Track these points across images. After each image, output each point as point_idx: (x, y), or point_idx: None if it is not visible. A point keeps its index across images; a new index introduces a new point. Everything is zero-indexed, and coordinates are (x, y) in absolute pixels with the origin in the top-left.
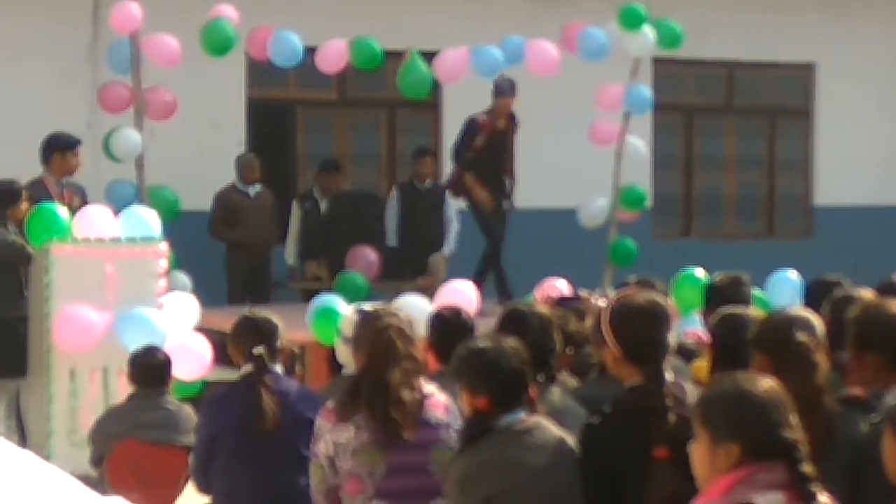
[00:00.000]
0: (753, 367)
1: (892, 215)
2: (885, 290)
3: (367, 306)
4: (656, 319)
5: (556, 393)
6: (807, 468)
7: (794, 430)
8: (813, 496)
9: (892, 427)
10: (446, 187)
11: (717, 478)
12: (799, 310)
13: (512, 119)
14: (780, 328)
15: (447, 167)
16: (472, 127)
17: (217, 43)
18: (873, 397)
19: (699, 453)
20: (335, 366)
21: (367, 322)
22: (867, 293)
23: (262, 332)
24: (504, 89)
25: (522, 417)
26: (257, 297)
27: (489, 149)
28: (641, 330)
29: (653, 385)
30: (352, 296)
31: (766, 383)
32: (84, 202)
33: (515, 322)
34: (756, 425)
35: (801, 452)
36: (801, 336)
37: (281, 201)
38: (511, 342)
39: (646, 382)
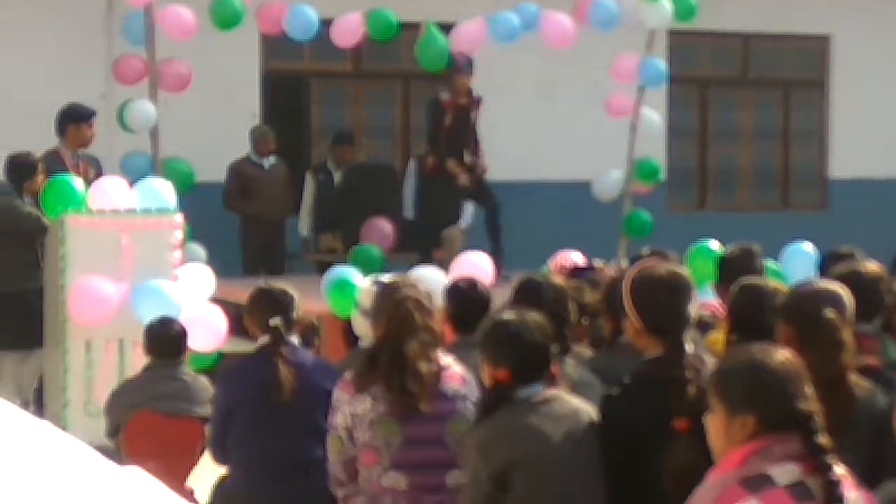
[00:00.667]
0: (778, 338)
1: None
2: None
3: (385, 278)
4: (677, 291)
5: (570, 365)
6: (822, 439)
7: (810, 401)
8: (829, 467)
9: None
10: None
11: (733, 449)
12: (829, 283)
13: (470, 95)
14: (808, 302)
15: None
16: (438, 107)
17: (226, 16)
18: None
19: (715, 425)
20: (352, 338)
21: (386, 293)
22: (874, 266)
23: (279, 303)
24: (461, 67)
25: (540, 390)
26: (272, 268)
27: (455, 128)
28: (662, 302)
29: (673, 357)
30: (367, 268)
31: (782, 355)
32: (99, 174)
33: (530, 293)
34: (772, 397)
35: (816, 424)
36: (830, 313)
37: (295, 173)
38: (536, 316)
39: (666, 354)
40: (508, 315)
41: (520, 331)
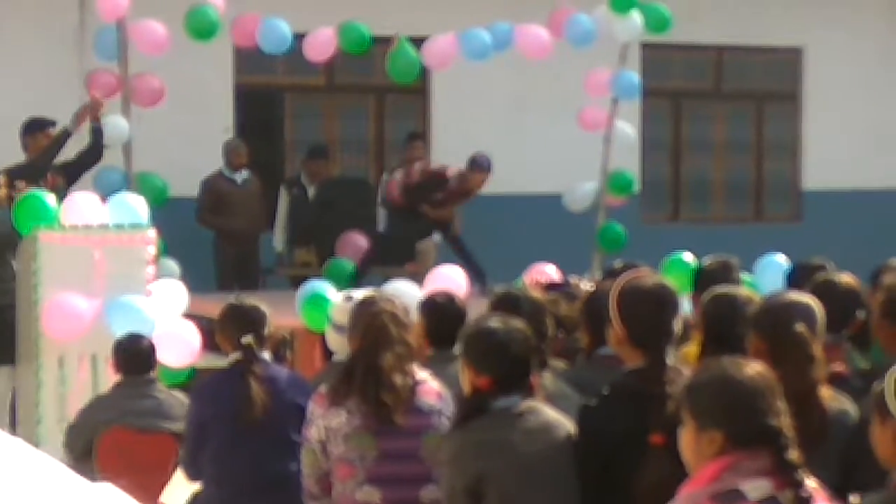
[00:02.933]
0: (749, 349)
1: (880, 199)
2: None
3: (357, 293)
4: (664, 305)
5: (548, 378)
6: (792, 455)
7: (780, 416)
8: (800, 483)
9: (880, 412)
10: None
11: (704, 464)
12: (800, 295)
13: (469, 194)
14: (779, 315)
15: (436, 153)
16: (440, 183)
17: (201, 28)
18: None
19: (686, 440)
20: (328, 352)
21: (362, 307)
22: (848, 278)
23: (250, 319)
24: (482, 164)
25: (517, 401)
26: (246, 283)
27: (443, 204)
28: (648, 314)
29: (653, 370)
30: (340, 282)
31: (753, 369)
32: (67, 183)
33: (508, 306)
34: (740, 413)
35: (786, 439)
36: (800, 327)
37: (269, 188)
38: (520, 325)
39: (646, 367)
40: (494, 322)
41: (506, 340)
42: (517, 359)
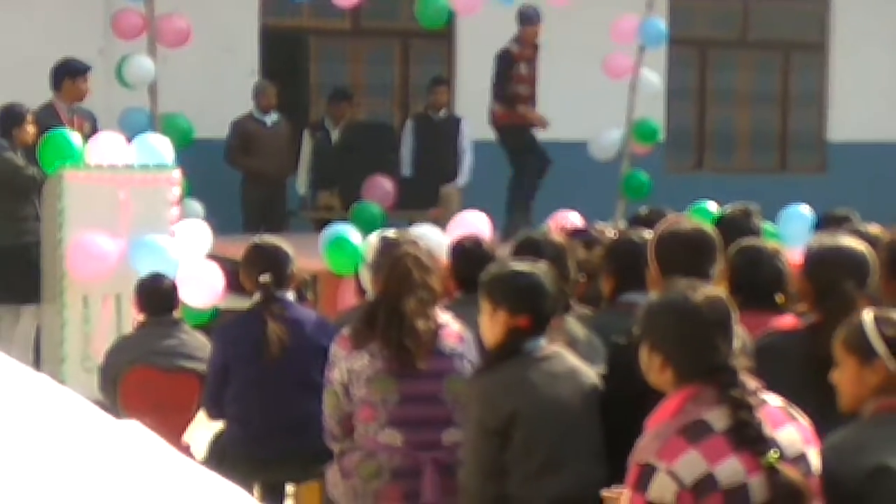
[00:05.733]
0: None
1: None
2: None
3: (390, 233)
4: (701, 249)
5: (572, 322)
6: (735, 393)
7: (731, 352)
8: (747, 420)
9: (848, 352)
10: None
11: (664, 388)
12: (856, 243)
13: (536, 47)
14: (830, 266)
15: (460, 98)
16: (507, 59)
17: None
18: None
19: (642, 356)
20: (362, 290)
21: (386, 250)
22: (875, 228)
23: (271, 259)
24: (530, 17)
25: (543, 345)
26: (272, 226)
27: (524, 78)
28: (685, 257)
29: None
30: (367, 225)
31: (708, 299)
32: (95, 128)
33: (530, 250)
34: (683, 340)
35: (730, 376)
36: (849, 285)
37: (293, 131)
38: (545, 268)
39: None
40: (522, 266)
41: (540, 281)
42: (550, 298)
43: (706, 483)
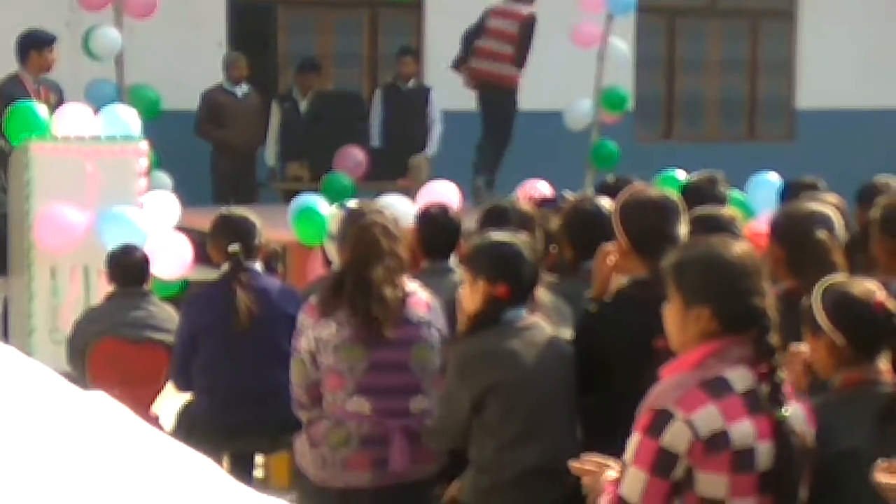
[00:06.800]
0: (768, 259)
1: (874, 118)
2: (867, 193)
3: (353, 204)
4: (666, 213)
5: (542, 291)
6: (773, 339)
7: (766, 297)
8: (775, 369)
9: (811, 327)
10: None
11: (688, 342)
12: (820, 205)
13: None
14: (799, 223)
15: (429, 68)
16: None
17: None
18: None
19: (671, 316)
20: (329, 262)
21: (352, 219)
22: (833, 198)
23: (239, 229)
24: None
25: (523, 315)
26: (243, 197)
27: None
28: (651, 222)
29: (658, 277)
30: (337, 196)
31: (740, 248)
32: (61, 100)
33: (497, 218)
34: (727, 291)
35: (769, 321)
36: (821, 234)
37: (262, 102)
38: (526, 239)
39: (651, 275)
40: (502, 236)
41: (519, 251)
42: (530, 269)
43: (720, 439)
